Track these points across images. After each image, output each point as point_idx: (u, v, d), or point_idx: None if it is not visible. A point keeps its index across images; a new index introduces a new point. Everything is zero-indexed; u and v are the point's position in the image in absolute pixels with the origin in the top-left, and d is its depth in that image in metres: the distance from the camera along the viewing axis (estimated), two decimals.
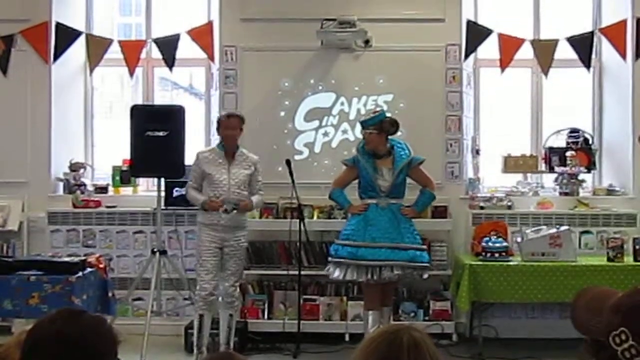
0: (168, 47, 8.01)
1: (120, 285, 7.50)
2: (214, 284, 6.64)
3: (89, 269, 6.38)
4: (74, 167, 8.12)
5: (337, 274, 6.60)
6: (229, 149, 6.72)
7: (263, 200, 6.97)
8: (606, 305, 2.23)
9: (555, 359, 6.77)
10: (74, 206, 7.93)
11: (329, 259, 6.72)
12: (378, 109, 7.25)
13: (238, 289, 6.84)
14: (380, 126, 6.60)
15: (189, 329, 7.15)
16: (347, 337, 7.42)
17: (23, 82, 8.00)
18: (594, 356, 2.25)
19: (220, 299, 6.77)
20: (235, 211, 6.54)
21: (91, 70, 8.23)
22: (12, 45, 7.93)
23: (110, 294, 6.66)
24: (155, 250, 7.09)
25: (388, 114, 6.92)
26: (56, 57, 8.03)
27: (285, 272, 7.57)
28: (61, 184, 8.17)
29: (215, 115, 8.09)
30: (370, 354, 2.07)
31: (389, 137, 6.68)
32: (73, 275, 6.10)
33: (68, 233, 7.89)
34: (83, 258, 6.62)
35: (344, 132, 7.95)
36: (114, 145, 8.31)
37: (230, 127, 6.70)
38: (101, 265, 6.68)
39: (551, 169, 8.04)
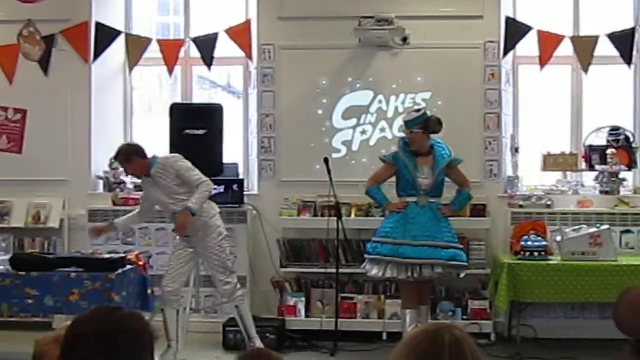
0: (206, 46, 8.05)
1: (159, 283, 7.53)
2: (179, 283, 6.61)
3: (128, 267, 6.44)
4: (114, 166, 8.19)
5: (375, 271, 6.58)
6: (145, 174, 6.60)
7: (207, 187, 6.43)
8: None
9: None
10: (114, 204, 8.00)
11: (366, 256, 6.71)
12: (418, 107, 7.21)
13: (232, 283, 6.65)
14: (426, 125, 6.58)
15: (227, 326, 7.19)
16: (384, 336, 7.41)
17: (64, 81, 8.09)
18: (638, 357, 2.22)
19: (221, 296, 6.87)
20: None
21: (130, 70, 8.30)
22: (53, 45, 8.02)
23: (149, 291, 6.72)
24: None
25: (429, 112, 6.88)
26: (96, 57, 8.11)
27: (323, 271, 7.58)
28: (101, 182, 8.26)
29: (253, 114, 8.14)
30: (411, 353, 2.06)
31: (432, 135, 6.66)
32: (113, 273, 6.15)
33: None
34: (123, 255, 6.69)
35: (382, 130, 7.93)
36: (153, 144, 8.35)
37: (123, 164, 6.64)
38: (140, 263, 6.73)
39: (591, 168, 7.95)
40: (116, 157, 6.71)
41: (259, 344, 6.63)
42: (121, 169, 8.10)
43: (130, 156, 6.52)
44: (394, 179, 6.80)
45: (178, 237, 6.69)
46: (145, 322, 2.35)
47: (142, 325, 2.31)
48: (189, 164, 6.50)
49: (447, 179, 6.77)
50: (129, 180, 8.27)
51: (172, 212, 6.54)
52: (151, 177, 6.51)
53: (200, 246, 6.59)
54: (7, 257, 6.56)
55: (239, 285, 6.78)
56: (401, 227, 6.56)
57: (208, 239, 6.56)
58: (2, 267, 6.36)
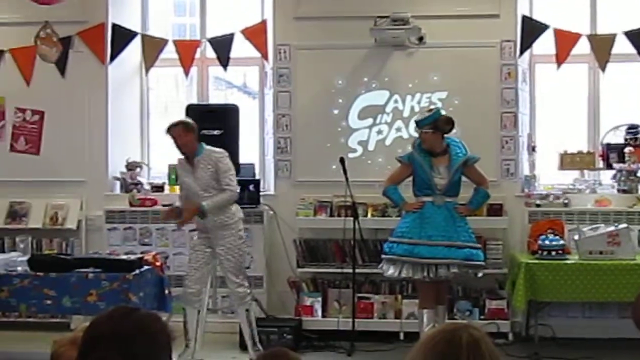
0: (222, 46, 8.07)
1: (176, 283, 7.56)
2: (197, 280, 6.63)
3: (145, 267, 6.46)
4: (131, 166, 8.23)
5: (391, 271, 6.57)
6: (188, 156, 6.61)
7: (230, 196, 6.53)
8: None
9: None
10: (131, 205, 8.03)
11: (383, 256, 6.70)
12: (433, 107, 7.20)
13: (244, 285, 6.68)
14: (435, 125, 6.56)
15: None
16: (401, 336, 7.39)
17: (80, 82, 8.13)
18: None
19: (231, 298, 6.86)
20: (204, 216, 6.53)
21: (147, 71, 8.33)
22: (70, 46, 8.06)
23: (166, 292, 6.74)
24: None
25: (443, 112, 6.87)
26: (112, 58, 8.15)
27: (339, 271, 7.57)
28: (118, 183, 8.29)
29: (269, 114, 8.15)
30: (428, 352, 2.06)
31: (445, 135, 6.63)
32: (130, 273, 6.18)
33: (125, 231, 7.99)
34: (140, 256, 6.72)
35: (398, 129, 7.92)
36: (169, 144, 8.38)
37: (175, 136, 6.57)
38: (157, 263, 6.76)
39: (609, 166, 7.90)
40: (175, 125, 6.59)
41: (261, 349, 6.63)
42: (138, 170, 8.19)
43: (190, 129, 6.57)
44: (410, 178, 6.78)
45: (196, 237, 6.71)
46: (163, 323, 2.36)
47: (159, 326, 2.31)
48: (231, 165, 6.60)
49: (464, 178, 6.74)
50: (146, 181, 8.30)
51: (198, 203, 6.54)
52: (193, 163, 6.56)
53: (218, 246, 6.60)
54: (25, 258, 6.61)
55: (249, 290, 6.79)
56: (417, 226, 6.54)
57: (227, 240, 6.57)
58: (20, 268, 6.41)
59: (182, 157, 6.67)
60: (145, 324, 2.27)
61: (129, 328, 2.23)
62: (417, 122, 6.74)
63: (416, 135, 6.86)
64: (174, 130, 6.57)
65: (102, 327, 2.25)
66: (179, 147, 6.58)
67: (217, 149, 6.66)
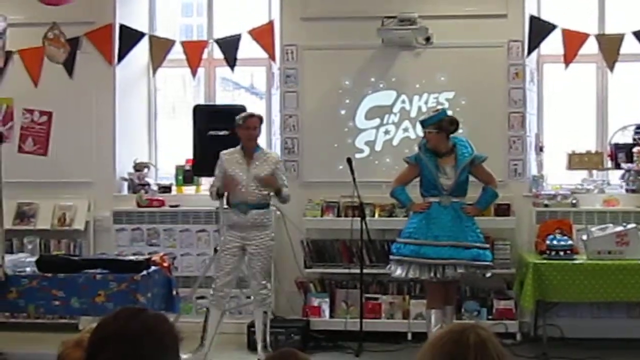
0: (229, 47, 8.07)
1: (183, 284, 7.58)
2: (225, 281, 6.65)
3: (153, 268, 6.46)
4: (138, 167, 8.25)
5: (399, 272, 6.57)
6: (248, 149, 6.68)
7: (287, 194, 6.76)
8: None
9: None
10: (139, 205, 8.05)
11: (391, 257, 6.70)
12: (439, 107, 7.21)
13: (268, 287, 6.78)
14: (439, 125, 6.54)
15: (251, 327, 7.19)
16: (409, 336, 7.39)
17: (88, 83, 8.15)
18: None
19: (252, 297, 6.83)
20: (253, 210, 6.58)
21: (154, 71, 8.34)
22: (78, 47, 8.07)
23: (174, 292, 6.74)
24: (217, 248, 7.14)
25: (449, 112, 6.86)
26: (120, 59, 8.16)
27: (347, 271, 7.57)
28: (126, 184, 8.31)
29: (276, 115, 8.15)
30: (436, 353, 2.05)
31: (451, 135, 6.62)
32: (138, 274, 6.19)
33: (133, 232, 8.00)
34: (148, 257, 6.72)
35: (405, 130, 7.91)
36: (176, 145, 8.42)
37: (251, 126, 6.64)
38: (165, 264, 6.76)
39: (617, 166, 7.88)
40: (256, 116, 6.73)
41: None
42: (146, 170, 8.20)
43: (261, 123, 6.78)
44: (418, 179, 6.77)
45: (228, 237, 6.68)
46: (170, 324, 2.36)
47: (166, 327, 2.31)
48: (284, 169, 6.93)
49: (472, 178, 6.73)
50: (153, 182, 8.31)
51: (243, 199, 6.60)
52: (250, 157, 6.64)
53: (251, 246, 6.62)
54: (34, 258, 6.62)
55: (270, 293, 6.86)
56: (424, 227, 6.53)
57: (261, 240, 6.64)
58: (28, 269, 6.42)
59: (232, 150, 6.71)
60: (153, 325, 2.27)
61: (137, 329, 2.23)
62: (421, 122, 6.74)
63: (423, 135, 6.85)
64: (254, 120, 6.68)
65: (110, 328, 2.25)
66: (250, 137, 6.65)
67: (271, 151, 6.99)
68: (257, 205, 6.61)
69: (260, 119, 6.76)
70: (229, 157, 6.69)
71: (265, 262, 6.71)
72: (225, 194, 6.76)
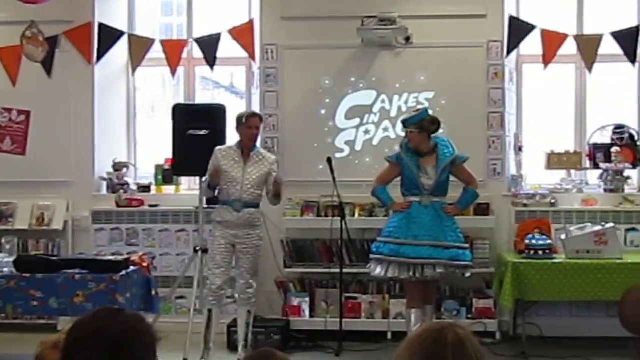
0: (209, 46, 8.05)
1: (163, 284, 7.55)
2: (224, 279, 6.65)
3: (132, 268, 6.43)
4: (117, 167, 8.21)
5: (378, 271, 6.57)
6: (246, 147, 6.70)
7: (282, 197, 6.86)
8: None
9: (600, 358, 6.68)
10: (118, 205, 8.01)
11: (371, 256, 6.70)
12: (420, 107, 7.23)
13: (254, 287, 6.78)
14: (420, 125, 6.55)
15: (231, 327, 7.18)
16: (389, 336, 7.41)
17: (67, 82, 8.10)
18: None
19: (236, 295, 6.81)
20: (246, 209, 6.59)
21: (133, 70, 8.29)
22: (56, 46, 8.01)
23: (153, 292, 6.71)
24: (197, 248, 7.13)
25: (430, 112, 6.87)
26: (99, 58, 8.11)
27: (326, 271, 7.58)
28: (105, 184, 8.27)
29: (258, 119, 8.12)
30: (414, 352, 2.06)
31: (432, 135, 6.63)
32: (117, 274, 6.15)
33: (112, 232, 7.98)
34: (127, 257, 6.68)
35: (385, 129, 7.92)
36: (156, 145, 8.38)
37: (253, 125, 6.69)
38: (144, 264, 6.73)
39: (596, 166, 7.94)
40: (257, 115, 6.82)
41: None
42: (125, 170, 8.16)
43: (261, 123, 6.86)
44: (399, 178, 6.78)
45: (219, 234, 6.66)
46: (148, 324, 2.35)
47: (144, 327, 2.31)
48: None
49: (453, 178, 6.74)
50: (132, 182, 8.28)
51: (238, 197, 6.59)
52: (247, 156, 6.66)
53: (241, 244, 6.63)
54: (11, 258, 6.56)
55: (254, 292, 6.85)
56: (404, 226, 6.54)
57: (251, 240, 6.65)
58: (6, 269, 6.36)
59: (228, 147, 6.74)
60: (130, 325, 2.26)
61: (114, 329, 2.22)
62: (403, 122, 6.74)
63: (403, 135, 6.86)
64: (256, 120, 6.73)
65: (87, 328, 2.24)
66: (251, 137, 6.69)
67: (267, 152, 7.00)
68: (251, 204, 6.63)
69: (261, 118, 6.84)
70: (225, 154, 6.70)
71: (254, 261, 6.73)
72: (217, 191, 6.76)
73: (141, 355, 2.25)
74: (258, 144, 7.95)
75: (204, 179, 6.87)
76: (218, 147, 6.76)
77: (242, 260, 6.67)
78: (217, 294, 6.65)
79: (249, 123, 6.66)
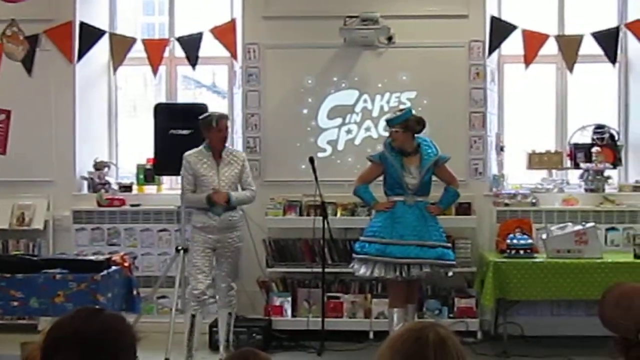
0: (191, 45, 8.02)
1: (144, 284, 7.53)
2: (206, 284, 6.54)
3: (113, 268, 6.41)
4: (99, 166, 8.17)
5: (363, 270, 6.57)
6: (217, 150, 6.59)
7: (253, 196, 6.74)
8: (636, 302, 2.21)
9: (581, 357, 6.72)
10: (99, 205, 7.98)
11: (354, 255, 6.70)
12: (403, 106, 7.24)
13: (234, 289, 6.74)
14: (405, 124, 6.56)
15: (213, 327, 7.17)
16: (371, 335, 7.41)
17: (47, 81, 8.05)
18: (623, 354, 2.22)
19: (217, 297, 6.76)
20: (226, 212, 6.52)
21: (115, 69, 8.26)
22: (37, 45, 7.97)
23: (135, 292, 6.69)
24: (179, 248, 7.07)
25: (413, 111, 6.88)
26: (80, 57, 8.07)
27: (309, 270, 7.58)
28: (86, 183, 8.23)
29: (238, 114, 8.13)
30: (396, 351, 2.06)
31: (416, 134, 6.64)
32: (98, 274, 6.13)
33: (93, 232, 7.94)
34: (108, 256, 6.65)
35: (367, 129, 7.93)
36: (137, 144, 8.35)
37: (223, 128, 6.55)
38: (126, 264, 6.70)
39: (576, 166, 7.98)
40: (226, 117, 6.70)
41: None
42: (106, 169, 8.13)
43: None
44: (381, 178, 6.79)
45: (199, 238, 6.54)
46: (128, 324, 2.34)
47: (124, 327, 2.30)
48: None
49: (434, 177, 6.76)
50: (114, 181, 8.25)
51: (221, 193, 6.50)
52: (219, 158, 6.56)
53: (221, 247, 6.56)
54: None
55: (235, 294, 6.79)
56: (389, 226, 6.55)
57: (231, 242, 6.58)
58: None
59: (196, 151, 6.58)
60: (110, 325, 2.25)
61: (94, 329, 2.21)
62: (388, 121, 6.74)
63: (386, 134, 6.87)
64: (225, 121, 6.62)
65: (66, 329, 2.22)
66: (223, 140, 6.58)
67: (236, 149, 6.94)
68: (229, 207, 6.56)
69: (227, 119, 6.75)
70: (195, 159, 6.56)
71: (234, 263, 6.69)
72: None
73: (121, 355, 2.24)
74: (240, 143, 8.00)
75: (184, 190, 6.70)
76: (187, 154, 6.59)
77: (223, 263, 6.62)
78: (199, 299, 6.54)
79: (219, 126, 6.52)
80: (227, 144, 6.70)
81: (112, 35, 8.17)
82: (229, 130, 6.75)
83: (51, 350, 2.21)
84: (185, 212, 7.21)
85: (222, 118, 6.61)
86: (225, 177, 6.56)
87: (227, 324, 6.71)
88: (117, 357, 2.22)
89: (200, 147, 6.62)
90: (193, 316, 6.57)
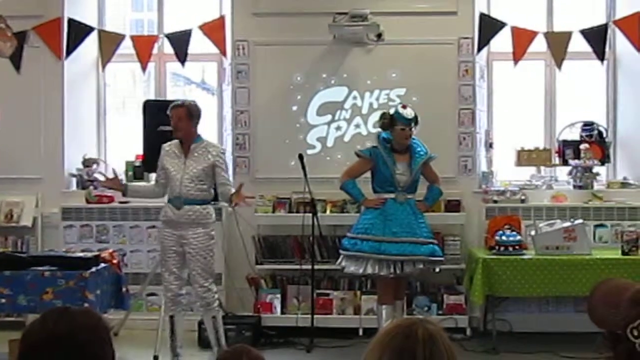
0: (180, 42, 8.01)
1: (133, 281, 7.51)
2: (178, 284, 6.34)
3: (102, 265, 6.40)
4: (87, 163, 8.15)
5: (353, 267, 6.57)
6: (183, 141, 6.37)
7: (229, 190, 6.37)
8: (624, 297, 2.21)
9: (570, 353, 6.74)
10: (87, 202, 7.95)
11: (342, 252, 6.70)
12: (393, 103, 7.24)
13: (212, 290, 6.36)
14: (416, 122, 6.61)
15: (202, 324, 7.15)
16: (360, 332, 7.41)
17: (36, 78, 8.02)
18: (611, 349, 2.23)
19: (198, 303, 6.53)
20: (187, 206, 6.24)
21: (103, 66, 8.23)
22: (25, 41, 7.92)
23: (124, 290, 6.68)
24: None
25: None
26: (69, 53, 8.04)
27: (298, 267, 7.57)
28: (74, 180, 8.20)
29: (227, 110, 8.12)
30: (385, 347, 2.06)
31: None
32: (87, 271, 6.11)
33: (81, 229, 7.91)
34: (96, 253, 6.64)
35: (357, 126, 7.93)
36: (126, 141, 8.33)
37: (174, 118, 6.33)
38: (115, 261, 6.69)
39: (565, 162, 8.00)
40: (180, 105, 6.37)
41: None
42: (95, 166, 8.10)
43: (194, 115, 6.36)
44: (368, 174, 6.79)
45: (165, 234, 6.32)
46: (98, 317, 2.34)
47: (94, 321, 2.29)
48: (227, 164, 6.53)
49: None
50: (103, 178, 8.21)
51: (177, 193, 6.26)
52: (187, 149, 6.32)
53: (188, 245, 6.27)
54: None
55: (216, 295, 6.51)
56: (380, 223, 6.55)
57: (198, 238, 6.27)
58: None
59: (172, 142, 6.42)
60: (80, 322, 2.24)
61: (64, 330, 2.20)
62: (409, 120, 6.59)
63: (374, 131, 6.87)
64: (176, 111, 6.31)
65: (38, 335, 2.21)
66: (173, 130, 6.33)
67: (215, 143, 6.67)
68: (192, 201, 6.27)
69: (187, 108, 6.34)
70: (168, 150, 6.40)
71: (205, 262, 6.29)
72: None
73: (99, 347, 2.23)
74: (229, 140, 7.98)
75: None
76: (165, 144, 6.46)
77: (192, 262, 6.26)
78: (174, 300, 6.35)
79: (171, 114, 6.33)
80: (205, 139, 6.45)
81: (101, 32, 8.14)
82: (187, 122, 6.30)
83: (28, 358, 2.20)
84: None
85: (174, 107, 6.36)
86: (188, 171, 6.28)
87: (215, 329, 6.44)
88: (94, 351, 2.21)
89: (177, 140, 6.45)
90: (171, 317, 6.39)
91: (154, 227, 7.88)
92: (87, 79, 8.41)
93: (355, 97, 7.93)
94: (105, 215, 7.92)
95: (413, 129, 6.61)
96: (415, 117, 6.63)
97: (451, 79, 7.86)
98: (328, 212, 7.68)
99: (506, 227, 7.28)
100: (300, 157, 7.24)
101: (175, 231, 6.30)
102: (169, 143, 6.47)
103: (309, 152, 7.80)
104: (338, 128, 7.95)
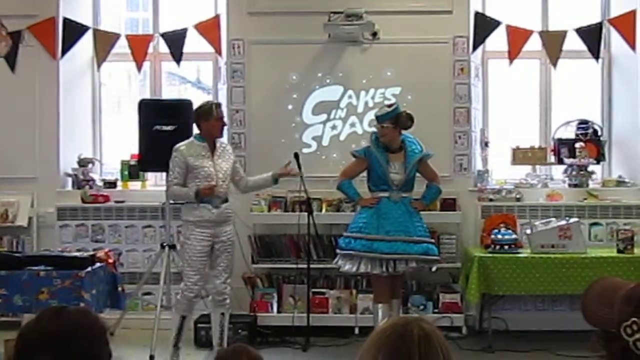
0: (175, 41, 8.00)
1: (129, 280, 7.51)
2: (201, 285, 6.38)
3: (98, 264, 6.41)
4: (83, 163, 8.14)
5: (348, 266, 6.58)
6: (211, 140, 6.39)
7: (254, 179, 6.81)
8: (617, 296, 2.21)
9: (565, 351, 6.75)
10: (83, 201, 7.95)
11: (338, 251, 6.71)
12: (390, 102, 7.23)
13: (229, 287, 6.51)
14: (396, 120, 6.58)
15: (198, 323, 7.16)
16: (356, 330, 7.42)
17: (31, 78, 8.01)
18: (604, 348, 2.23)
19: (210, 297, 6.59)
20: (222, 205, 6.32)
21: (99, 66, 8.23)
22: (20, 41, 7.92)
23: (119, 289, 6.68)
24: (164, 244, 7.09)
25: (400, 108, 6.88)
26: (64, 53, 8.03)
27: (294, 266, 7.57)
28: (70, 180, 8.19)
29: (223, 109, 8.09)
30: (380, 346, 2.06)
31: (403, 131, 6.66)
32: (82, 270, 6.12)
33: (77, 228, 7.91)
34: (92, 253, 6.65)
35: (352, 125, 7.93)
36: (122, 140, 8.32)
37: (222, 116, 6.44)
38: (110, 260, 6.70)
39: (560, 161, 8.01)
40: (219, 105, 6.56)
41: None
42: (90, 166, 8.10)
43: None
44: (364, 173, 6.80)
45: (197, 235, 6.25)
46: (94, 315, 2.34)
47: (90, 320, 2.29)
48: None
49: (417, 174, 6.78)
50: (98, 178, 8.22)
51: (216, 190, 6.26)
52: (214, 148, 6.37)
53: (218, 242, 6.33)
54: None
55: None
56: (374, 222, 6.56)
57: (228, 235, 6.41)
58: None
59: (187, 142, 6.37)
60: (76, 321, 2.24)
61: (60, 329, 2.20)
62: (377, 117, 6.71)
63: (370, 130, 6.87)
64: (221, 110, 6.52)
65: (34, 335, 2.21)
66: (216, 127, 6.37)
67: (223, 140, 6.76)
68: (225, 199, 6.40)
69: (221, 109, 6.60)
70: (189, 150, 6.31)
71: (231, 258, 6.50)
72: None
73: (95, 348, 2.23)
74: (225, 139, 7.97)
75: (172, 184, 6.42)
76: (179, 145, 6.36)
77: (219, 258, 6.36)
78: (191, 302, 6.38)
79: (219, 114, 6.40)
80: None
81: (96, 31, 8.14)
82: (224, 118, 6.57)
83: (25, 358, 2.20)
84: (170, 208, 7.21)
85: (219, 106, 6.56)
86: (221, 169, 6.38)
87: (221, 325, 6.49)
88: (90, 350, 2.21)
89: (191, 139, 6.45)
90: (183, 317, 6.40)
91: (150, 226, 7.89)
92: (83, 79, 8.40)
93: (350, 96, 7.94)
94: (101, 214, 7.92)
95: (388, 126, 6.57)
96: (389, 113, 6.58)
97: (446, 77, 7.87)
98: (324, 211, 7.69)
99: (502, 225, 7.29)
100: (296, 156, 7.23)
101: (209, 230, 6.30)
102: (183, 144, 6.39)
103: (305, 151, 7.80)
104: (333, 127, 7.95)
